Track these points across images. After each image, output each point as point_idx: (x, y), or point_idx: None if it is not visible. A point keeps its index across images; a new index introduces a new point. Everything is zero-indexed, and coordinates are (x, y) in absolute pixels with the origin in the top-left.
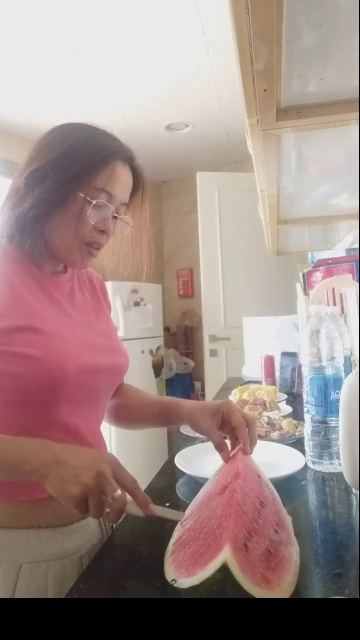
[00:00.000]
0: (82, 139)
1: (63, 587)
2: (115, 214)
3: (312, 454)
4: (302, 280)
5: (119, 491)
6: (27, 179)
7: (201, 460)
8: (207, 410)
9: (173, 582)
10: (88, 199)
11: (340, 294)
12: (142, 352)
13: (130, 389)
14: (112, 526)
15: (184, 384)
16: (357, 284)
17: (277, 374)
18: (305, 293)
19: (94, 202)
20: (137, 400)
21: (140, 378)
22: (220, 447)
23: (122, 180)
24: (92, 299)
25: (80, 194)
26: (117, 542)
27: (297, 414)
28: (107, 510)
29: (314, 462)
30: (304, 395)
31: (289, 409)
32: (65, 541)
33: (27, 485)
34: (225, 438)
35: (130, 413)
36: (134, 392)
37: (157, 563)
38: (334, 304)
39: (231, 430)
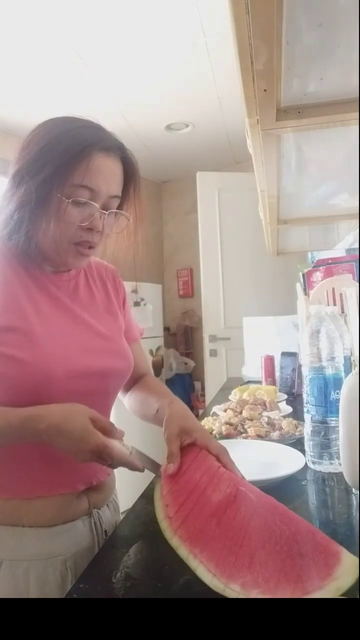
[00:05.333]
0: (57, 135)
1: (44, 589)
2: (103, 209)
3: (312, 454)
4: (302, 280)
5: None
6: (10, 182)
7: None
8: (179, 421)
9: None
10: (64, 198)
11: (340, 294)
12: None
13: (148, 384)
14: (105, 531)
15: (184, 384)
16: (357, 284)
17: (277, 374)
18: (305, 293)
19: (69, 200)
20: (147, 396)
21: None
22: (171, 457)
23: (104, 172)
24: (101, 296)
25: (57, 194)
26: (117, 542)
27: (297, 414)
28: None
29: (314, 462)
30: (304, 395)
31: (289, 409)
32: (49, 542)
33: (13, 482)
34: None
35: (141, 409)
36: (149, 386)
37: (157, 563)
38: (334, 304)
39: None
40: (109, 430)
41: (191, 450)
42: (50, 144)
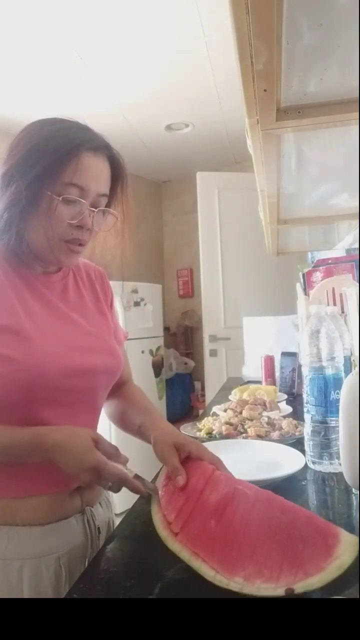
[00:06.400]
0: (46, 135)
1: (38, 587)
2: (92, 207)
3: (312, 454)
4: (302, 280)
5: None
6: (0, 182)
7: None
8: (171, 438)
9: (289, 593)
10: (54, 196)
11: (340, 294)
12: (142, 352)
13: (130, 393)
14: (98, 528)
15: (184, 384)
16: (357, 284)
17: (277, 374)
18: (305, 293)
19: (59, 198)
20: (129, 408)
21: (140, 378)
22: (177, 471)
23: (93, 171)
24: (89, 296)
25: (48, 192)
26: (117, 542)
27: (297, 414)
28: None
29: (314, 462)
30: (304, 395)
31: (289, 409)
32: (43, 540)
33: (5, 481)
34: None
35: (122, 421)
36: (131, 397)
37: (157, 562)
38: (334, 304)
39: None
40: (112, 454)
41: (185, 460)
42: (40, 144)
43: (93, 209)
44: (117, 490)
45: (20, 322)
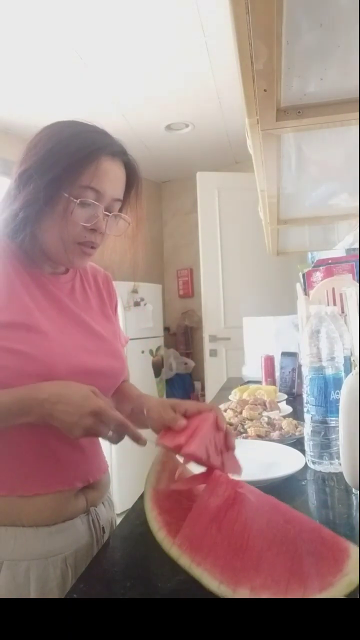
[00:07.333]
0: (66, 137)
1: (45, 588)
2: (106, 212)
3: (312, 454)
4: (302, 280)
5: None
6: (17, 181)
7: None
8: (166, 402)
9: None
10: (72, 198)
11: (340, 294)
12: (142, 352)
13: (122, 389)
14: (102, 527)
15: (184, 384)
16: (357, 284)
17: (277, 374)
18: (305, 293)
19: (77, 201)
20: (121, 401)
21: (140, 378)
22: (176, 419)
23: (111, 176)
24: (95, 299)
25: (65, 194)
26: (117, 542)
27: (297, 414)
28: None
29: (314, 462)
30: (304, 395)
31: (289, 409)
32: (49, 541)
33: (11, 479)
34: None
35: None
36: (123, 391)
37: (157, 562)
38: (334, 304)
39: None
40: (109, 407)
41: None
42: (59, 145)
43: (107, 213)
44: (116, 440)
45: (32, 319)
